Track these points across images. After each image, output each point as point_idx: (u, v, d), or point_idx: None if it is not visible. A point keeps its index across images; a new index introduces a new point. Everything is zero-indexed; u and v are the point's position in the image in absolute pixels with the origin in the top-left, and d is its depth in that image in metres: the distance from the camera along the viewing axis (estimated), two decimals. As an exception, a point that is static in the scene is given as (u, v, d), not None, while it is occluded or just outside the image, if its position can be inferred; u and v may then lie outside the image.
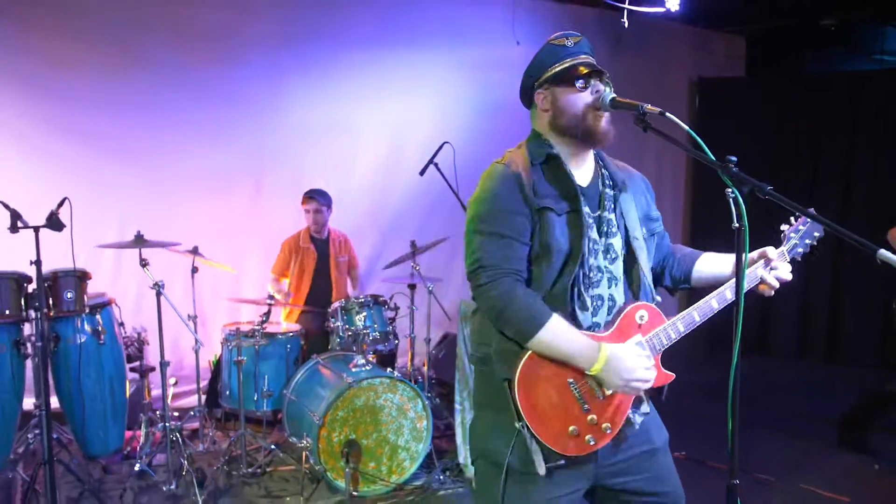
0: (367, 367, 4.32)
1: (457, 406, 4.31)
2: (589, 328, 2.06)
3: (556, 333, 1.97)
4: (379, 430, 4.20)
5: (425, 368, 5.15)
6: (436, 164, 4.79)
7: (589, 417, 2.02)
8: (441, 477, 4.29)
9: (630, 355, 1.99)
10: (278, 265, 5.53)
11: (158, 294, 4.09)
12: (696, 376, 7.06)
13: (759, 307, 8.00)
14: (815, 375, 7.16)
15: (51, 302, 3.92)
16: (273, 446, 4.52)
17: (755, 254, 2.19)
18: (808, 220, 2.15)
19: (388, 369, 4.48)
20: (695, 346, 8.23)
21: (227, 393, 4.82)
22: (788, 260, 2.21)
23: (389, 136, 6.43)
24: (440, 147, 4.77)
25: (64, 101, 5.24)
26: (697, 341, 8.29)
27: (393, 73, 6.39)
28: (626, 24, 6.21)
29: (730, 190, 1.75)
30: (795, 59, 8.62)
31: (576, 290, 2.04)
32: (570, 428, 2.00)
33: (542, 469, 1.97)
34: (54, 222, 3.57)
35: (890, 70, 8.36)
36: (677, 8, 6.29)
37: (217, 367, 5.11)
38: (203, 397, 4.95)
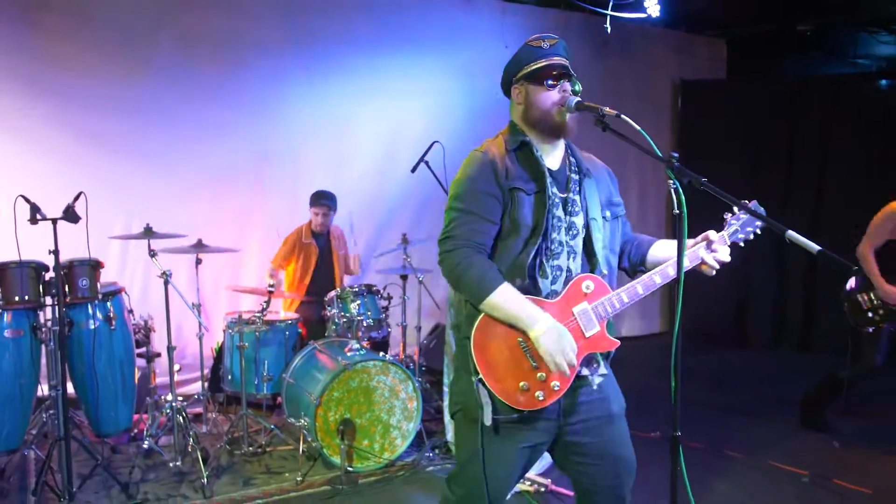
0: (361, 352, 4.60)
1: (445, 389, 4.59)
2: (547, 295, 2.34)
3: (505, 298, 2.25)
4: (372, 410, 4.48)
5: (416, 356, 5.44)
6: (426, 163, 5.08)
7: (538, 374, 2.29)
8: (430, 454, 4.57)
9: (561, 338, 2.25)
10: (279, 258, 5.79)
11: (166, 282, 4.36)
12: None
13: (736, 303, 8.33)
14: (789, 363, 7.50)
15: (66, 289, 4.17)
16: (273, 427, 4.79)
17: (700, 237, 2.47)
18: (753, 207, 2.41)
19: (381, 353, 4.76)
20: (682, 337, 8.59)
21: (229, 377, 5.09)
22: (728, 244, 2.48)
23: (384, 136, 6.72)
24: (430, 146, 5.07)
25: (78, 104, 5.54)
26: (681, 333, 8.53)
27: (388, 76, 6.69)
28: (609, 30, 6.50)
29: (672, 182, 2.03)
30: (775, 62, 8.91)
31: (538, 260, 2.33)
32: (521, 383, 2.28)
33: (488, 420, 2.26)
34: (71, 215, 3.86)
35: (864, 73, 8.68)
36: (657, 14, 6.59)
37: (219, 353, 5.38)
38: (206, 383, 5.21)
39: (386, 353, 5.22)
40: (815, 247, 1.79)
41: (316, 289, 5.64)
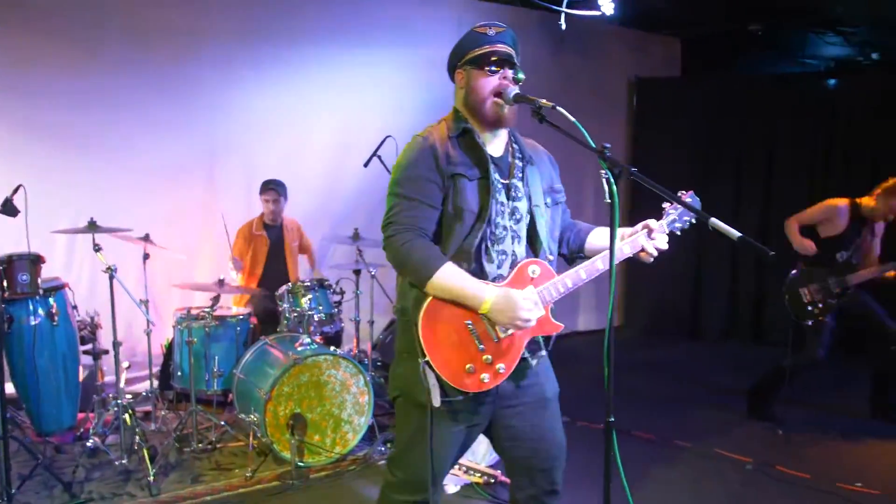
0: (313, 346, 4.58)
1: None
2: (494, 279, 2.37)
3: (449, 277, 2.27)
4: (323, 405, 4.46)
5: (370, 351, 5.43)
6: (379, 157, 5.08)
7: (484, 357, 2.31)
8: (382, 448, 4.57)
9: (515, 295, 2.29)
10: (236, 248, 5.71)
11: (111, 277, 4.29)
12: (632, 356, 7.47)
13: (690, 296, 8.47)
14: (741, 355, 7.65)
15: (5, 284, 4.08)
16: (223, 423, 4.75)
17: (640, 225, 2.51)
18: (689, 199, 2.46)
19: (332, 348, 4.74)
20: (635, 330, 8.70)
21: (179, 374, 5.02)
22: (667, 232, 2.53)
23: (338, 131, 6.68)
24: (383, 140, 5.08)
25: (21, 95, 5.40)
26: (636, 326, 8.68)
27: (343, 70, 6.65)
28: (564, 27, 6.55)
29: (604, 172, 2.05)
30: (728, 61, 9.06)
31: (483, 245, 2.35)
32: (467, 366, 2.30)
33: (436, 401, 2.28)
34: (9, 208, 3.78)
35: (813, 73, 8.88)
36: (612, 12, 6.65)
37: (169, 350, 5.31)
38: (155, 381, 5.14)
39: (339, 347, 5.20)
40: (735, 233, 1.83)
41: (267, 282, 5.59)
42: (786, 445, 4.90)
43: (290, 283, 4.97)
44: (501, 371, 2.34)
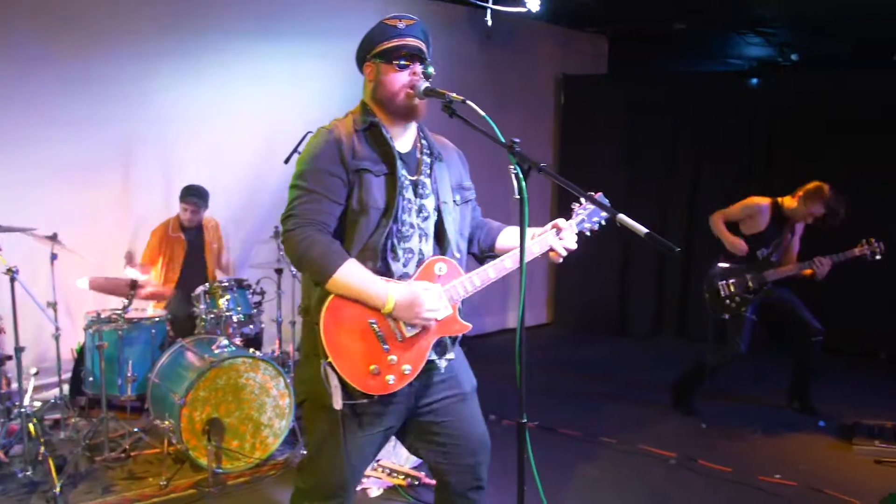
0: (230, 349, 4.43)
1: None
2: (400, 277, 2.30)
3: (351, 275, 2.19)
4: (242, 409, 4.32)
5: (292, 352, 5.29)
6: (299, 154, 4.93)
7: (389, 357, 2.24)
8: (304, 451, 4.45)
9: (419, 290, 2.23)
10: (147, 254, 5.50)
11: (13, 280, 4.07)
12: (560, 354, 7.51)
13: (618, 293, 8.57)
14: (667, 351, 7.76)
15: None
16: (137, 430, 4.56)
17: (549, 225, 2.48)
18: (599, 199, 2.43)
19: (251, 350, 4.61)
20: (564, 327, 8.75)
21: (91, 379, 4.80)
22: (576, 232, 2.50)
23: (263, 127, 6.47)
24: (304, 136, 4.93)
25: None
26: (565, 324, 8.71)
27: (266, 64, 6.45)
28: (491, 23, 6.51)
29: (512, 167, 2.00)
30: (653, 59, 9.20)
31: (389, 242, 2.29)
32: (371, 367, 2.23)
33: (338, 404, 2.20)
34: None
35: (735, 72, 9.08)
36: (538, 8, 6.65)
37: (80, 354, 5.08)
38: (66, 386, 4.91)
39: (259, 349, 5.06)
40: (642, 229, 1.80)
41: (186, 285, 5.39)
42: (708, 439, 4.96)
43: (206, 284, 4.79)
44: (407, 372, 2.28)
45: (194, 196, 5.43)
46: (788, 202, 5.11)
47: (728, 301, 5.08)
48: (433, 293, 2.25)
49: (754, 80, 8.21)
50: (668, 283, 8.42)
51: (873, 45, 7.98)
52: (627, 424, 5.24)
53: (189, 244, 5.51)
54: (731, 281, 5.09)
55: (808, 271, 5.03)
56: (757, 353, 5.29)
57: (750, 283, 5.05)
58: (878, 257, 4.94)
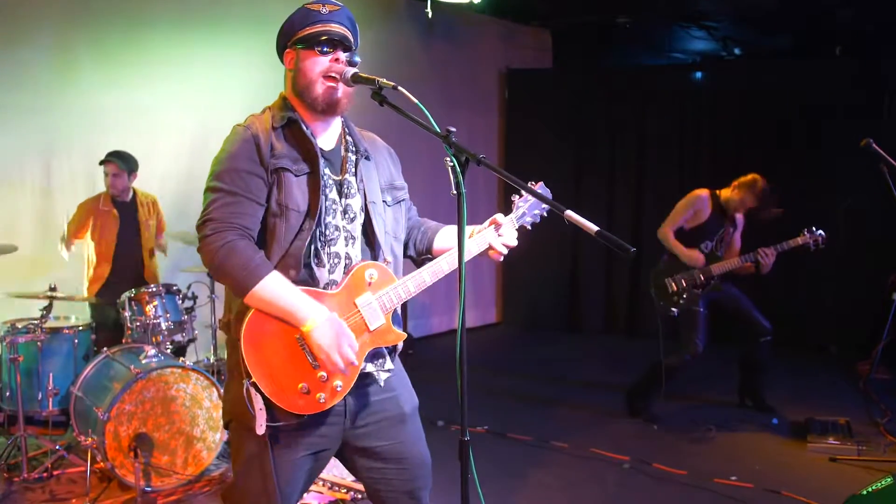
0: (159, 358, 4.16)
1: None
2: (326, 285, 2.11)
3: (273, 289, 1.99)
4: (172, 422, 4.06)
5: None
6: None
7: (319, 374, 2.05)
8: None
9: (337, 332, 2.02)
10: (72, 227, 5.09)
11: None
12: (510, 354, 7.37)
13: (568, 290, 8.49)
14: (617, 349, 7.67)
15: None
16: (58, 447, 4.26)
17: (487, 221, 2.31)
18: (539, 190, 2.27)
19: (182, 359, 4.34)
20: (513, 327, 8.61)
21: (7, 394, 4.48)
22: (516, 227, 2.34)
23: (194, 122, 6.18)
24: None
25: None
26: (514, 323, 8.58)
27: (196, 56, 6.15)
28: (430, 14, 6.33)
29: (449, 159, 1.82)
30: (598, 53, 9.14)
31: (313, 247, 2.09)
32: (300, 385, 2.03)
33: (260, 429, 2.00)
34: None
35: (679, 66, 9.08)
36: (479, 0, 6.49)
37: (-5, 368, 4.74)
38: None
39: (189, 358, 4.78)
40: (593, 227, 1.64)
41: (120, 265, 5.04)
42: (662, 441, 4.86)
43: (133, 290, 4.50)
44: (339, 389, 2.08)
45: (114, 157, 5.06)
46: (725, 193, 5.08)
47: (675, 297, 4.99)
48: (348, 344, 2.04)
49: (698, 74, 8.21)
50: (616, 279, 8.35)
51: (817, 38, 8.04)
52: (579, 428, 5.11)
53: (122, 220, 5.14)
54: (677, 277, 5.01)
55: (749, 265, 4.98)
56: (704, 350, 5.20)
57: (697, 278, 4.97)
58: (821, 246, 4.93)
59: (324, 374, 2.05)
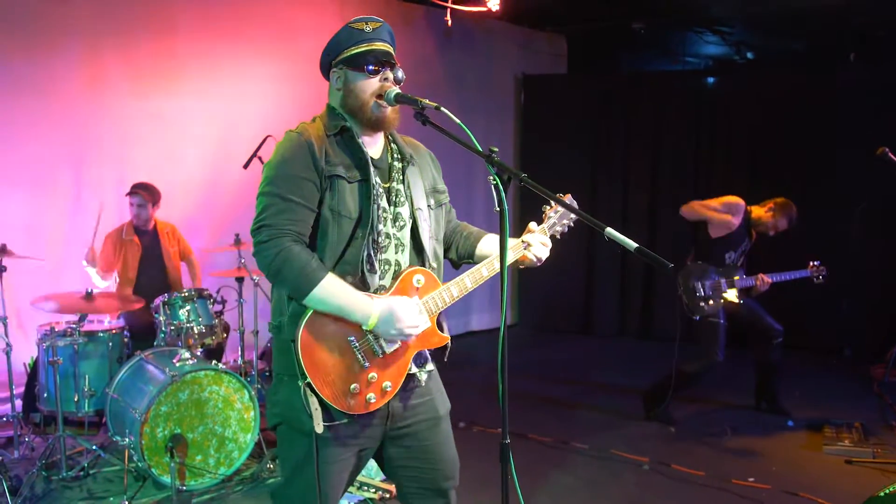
0: (192, 361, 4.28)
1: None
2: (376, 291, 2.20)
3: (331, 290, 2.09)
4: (205, 423, 4.18)
5: (255, 362, 5.15)
6: (260, 158, 4.82)
7: (369, 375, 2.15)
8: (270, 465, 4.33)
9: (401, 305, 2.14)
10: (102, 261, 5.29)
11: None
12: (526, 356, 7.46)
13: (582, 293, 8.57)
14: (632, 351, 7.76)
15: None
16: (95, 447, 4.39)
17: (525, 233, 2.42)
18: (569, 201, 2.38)
19: (214, 362, 4.47)
20: (529, 328, 8.70)
21: (45, 395, 4.62)
22: (549, 236, 2.45)
23: (217, 130, 6.33)
24: (263, 141, 4.84)
25: None
26: (529, 324, 8.65)
27: (220, 65, 6.31)
28: (450, 23, 6.43)
29: (491, 178, 1.93)
30: (612, 58, 9.22)
31: (366, 253, 2.18)
32: (352, 386, 2.13)
33: (319, 427, 2.09)
34: None
35: (692, 71, 9.15)
36: (498, 7, 6.59)
37: (34, 369, 4.88)
38: (18, 402, 4.72)
39: (220, 358, 4.91)
40: (632, 244, 1.74)
41: (143, 291, 5.21)
42: (679, 443, 4.95)
43: (165, 295, 4.63)
44: (388, 389, 2.19)
45: (139, 188, 5.27)
46: (757, 212, 5.15)
47: (702, 304, 5.06)
48: (412, 307, 2.16)
49: (711, 79, 8.28)
50: (631, 282, 8.44)
51: (830, 44, 8.10)
52: (597, 429, 5.21)
53: (144, 248, 5.33)
54: (706, 282, 5.09)
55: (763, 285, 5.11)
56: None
57: (724, 288, 5.06)
58: (821, 280, 5.18)
59: (374, 374, 2.16)
